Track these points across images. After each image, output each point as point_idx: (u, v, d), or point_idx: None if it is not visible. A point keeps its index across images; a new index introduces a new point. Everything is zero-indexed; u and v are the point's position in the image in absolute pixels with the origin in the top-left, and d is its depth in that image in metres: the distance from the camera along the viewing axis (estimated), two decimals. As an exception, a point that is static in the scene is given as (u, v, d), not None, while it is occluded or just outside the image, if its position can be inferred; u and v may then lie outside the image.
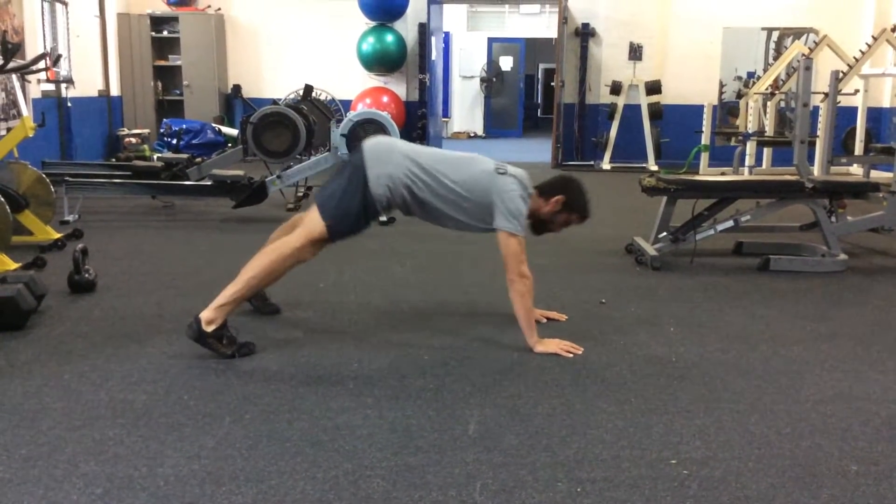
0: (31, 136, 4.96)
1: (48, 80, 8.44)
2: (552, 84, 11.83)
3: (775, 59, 10.45)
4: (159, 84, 11.08)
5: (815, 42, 9.84)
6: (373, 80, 11.24)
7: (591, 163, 10.69)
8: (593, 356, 3.09)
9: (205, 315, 2.96)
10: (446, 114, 15.66)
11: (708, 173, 9.07)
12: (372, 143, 3.20)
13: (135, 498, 1.97)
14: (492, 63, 16.94)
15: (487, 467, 2.16)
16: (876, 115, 10.45)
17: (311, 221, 3.06)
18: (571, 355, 3.07)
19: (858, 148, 8.96)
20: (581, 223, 3.35)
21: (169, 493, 2.00)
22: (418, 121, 11.02)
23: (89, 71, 9.86)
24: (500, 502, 1.98)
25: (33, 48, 7.93)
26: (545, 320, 3.52)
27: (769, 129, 9.32)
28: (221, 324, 2.98)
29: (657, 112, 10.49)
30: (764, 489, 2.06)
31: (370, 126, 6.04)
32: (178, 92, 11.10)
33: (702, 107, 9.61)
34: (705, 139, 9.44)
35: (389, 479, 2.08)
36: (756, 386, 2.81)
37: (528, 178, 3.23)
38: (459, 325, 3.49)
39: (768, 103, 9.42)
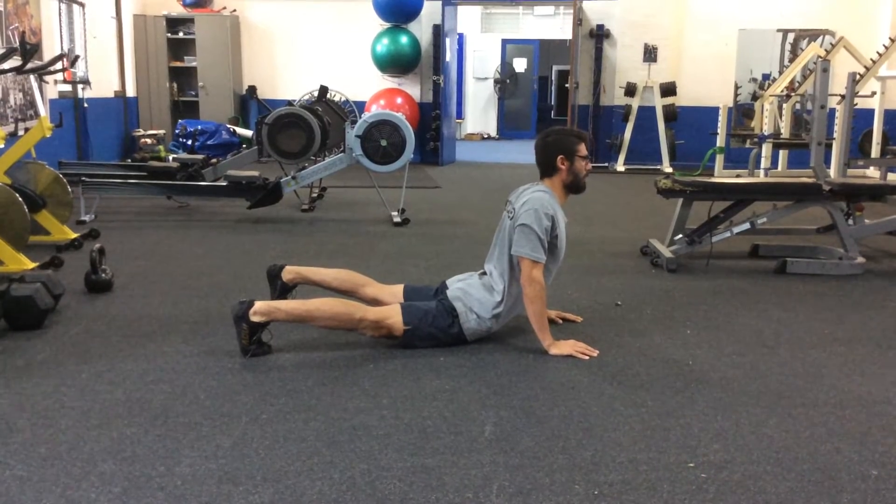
0: (48, 136, 5.00)
1: (65, 81, 8.50)
2: (566, 86, 11.80)
3: (791, 61, 10.38)
4: (174, 85, 11.13)
5: (831, 44, 9.78)
6: (387, 82, 11.26)
7: (606, 164, 10.66)
8: (609, 358, 3.08)
9: (259, 306, 3.00)
10: (460, 115, 15.66)
11: (723, 175, 9.02)
12: (454, 288, 3.30)
13: (153, 497, 1.98)
14: (506, 64, 16.92)
15: (504, 469, 2.15)
16: (893, 118, 10.36)
17: (393, 312, 3.13)
18: (587, 357, 3.06)
19: (875, 150, 8.89)
20: (588, 145, 3.32)
21: (186, 492, 2.00)
22: (432, 122, 11.02)
23: (105, 72, 9.92)
24: (517, 504, 1.98)
25: (50, 49, 7.98)
26: (561, 321, 3.52)
27: (785, 132, 9.27)
28: (265, 322, 3.01)
29: (672, 114, 10.45)
30: (783, 493, 2.05)
31: (385, 127, 6.05)
32: (193, 93, 11.15)
33: (717, 109, 9.55)
34: (720, 141, 9.39)
35: (406, 480, 2.08)
36: (774, 389, 2.79)
37: (540, 185, 3.30)
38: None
39: (784, 105, 9.36)
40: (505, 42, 16.95)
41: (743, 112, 10.95)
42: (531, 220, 3.12)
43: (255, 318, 2.98)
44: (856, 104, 6.26)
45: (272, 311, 3.01)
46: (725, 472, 2.16)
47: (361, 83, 11.15)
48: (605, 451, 2.27)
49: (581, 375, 2.89)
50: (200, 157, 7.08)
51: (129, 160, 9.26)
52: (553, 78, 19.98)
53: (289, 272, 3.48)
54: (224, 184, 6.26)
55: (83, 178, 6.03)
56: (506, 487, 2.05)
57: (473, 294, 3.21)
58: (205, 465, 2.14)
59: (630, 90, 10.53)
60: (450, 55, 11.15)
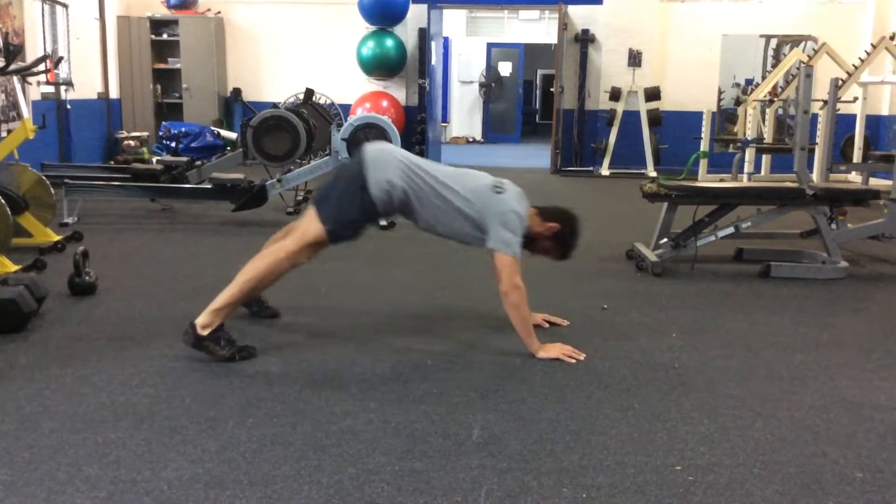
0: (31, 137, 4.96)
1: (48, 83, 8.43)
2: (551, 90, 11.86)
3: (774, 66, 10.47)
4: (158, 87, 11.06)
5: (813, 49, 9.87)
6: (372, 85, 11.25)
7: (591, 168, 10.70)
8: (596, 362, 3.08)
9: (200, 320, 2.96)
10: (445, 119, 15.67)
11: (707, 180, 9.08)
12: (373, 148, 3.21)
13: (138, 502, 1.96)
14: (491, 68, 16.96)
15: (492, 473, 2.15)
16: (874, 123, 10.48)
17: (309, 225, 3.06)
18: (573, 361, 3.07)
19: (857, 155, 8.98)
20: (555, 260, 3.34)
21: (172, 496, 1.99)
22: (417, 125, 11.02)
23: (89, 73, 9.85)
24: (506, 508, 1.98)
25: (33, 50, 7.93)
26: (548, 325, 3.52)
27: (768, 136, 9.34)
28: (218, 326, 2.97)
29: (656, 118, 10.51)
30: (769, 496, 2.06)
31: (371, 130, 6.05)
32: (177, 95, 11.09)
33: (700, 113, 9.62)
34: (704, 146, 9.46)
35: (394, 483, 2.08)
36: (759, 393, 2.80)
37: (524, 195, 3.24)
38: (462, 330, 3.49)
39: (767, 110, 9.44)
40: (490, 46, 16.99)
41: (726, 117, 11.04)
42: (509, 216, 3.08)
43: (206, 332, 2.95)
44: (838, 109, 6.31)
45: (216, 313, 2.97)
46: (712, 474, 2.17)
47: (347, 86, 11.15)
48: (593, 455, 2.28)
49: (568, 379, 2.90)
50: (185, 159, 7.05)
51: (113, 162, 9.19)
52: (538, 82, 20.08)
53: None
54: (209, 186, 6.23)
55: (66, 180, 5.97)
56: (494, 491, 2.05)
57: (388, 164, 3.10)
58: (191, 470, 2.13)
59: (615, 95, 10.58)
60: (435, 59, 11.17)
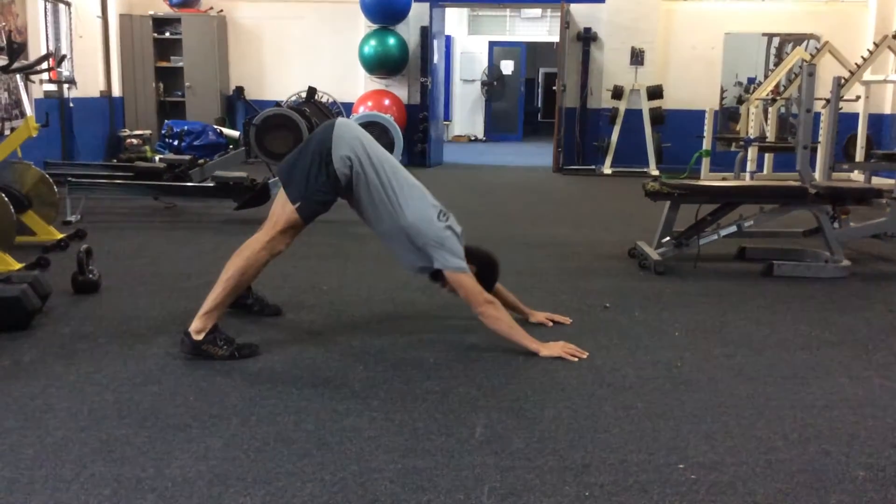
0: (34, 136, 4.96)
1: (50, 81, 8.44)
2: (553, 88, 11.84)
3: (776, 65, 10.48)
4: (161, 85, 11.08)
5: (816, 48, 9.87)
6: (374, 83, 11.24)
7: (593, 167, 10.70)
8: (598, 360, 3.09)
9: (193, 326, 2.98)
10: (447, 117, 15.67)
11: (709, 179, 9.08)
12: (340, 124, 3.14)
13: (143, 499, 1.97)
14: (493, 67, 16.95)
15: (495, 471, 2.15)
16: (877, 122, 10.47)
17: (278, 210, 3.05)
18: (576, 359, 3.07)
19: (859, 154, 8.97)
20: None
21: (177, 494, 2.00)
22: (419, 124, 11.02)
23: (91, 72, 9.86)
24: (509, 506, 1.98)
25: (36, 48, 7.93)
26: (551, 324, 3.53)
27: (770, 135, 9.34)
28: (212, 328, 2.98)
29: (659, 117, 10.50)
30: (772, 494, 2.06)
31: (373, 128, 6.05)
32: (179, 93, 11.10)
33: (703, 112, 9.61)
34: (706, 144, 9.45)
35: (397, 481, 2.08)
36: (762, 391, 2.80)
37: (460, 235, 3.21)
38: (464, 329, 3.49)
39: (769, 109, 9.44)
40: (492, 44, 16.99)
41: (728, 115, 11.04)
42: (450, 236, 3.09)
43: (200, 337, 2.96)
44: (840, 108, 6.31)
45: (207, 317, 2.98)
46: (715, 473, 2.17)
47: (349, 84, 11.16)
48: (596, 453, 2.28)
49: (571, 377, 2.90)
50: (187, 157, 7.05)
51: (115, 160, 9.20)
52: (540, 80, 20.04)
53: None
54: (211, 185, 6.23)
55: (69, 179, 5.98)
56: (497, 489, 2.06)
57: (353, 143, 3.08)
58: (195, 467, 2.13)
59: (617, 93, 10.57)
60: (437, 57, 11.16)
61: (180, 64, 10.99)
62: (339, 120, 3.21)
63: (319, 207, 3.09)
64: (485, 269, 3.29)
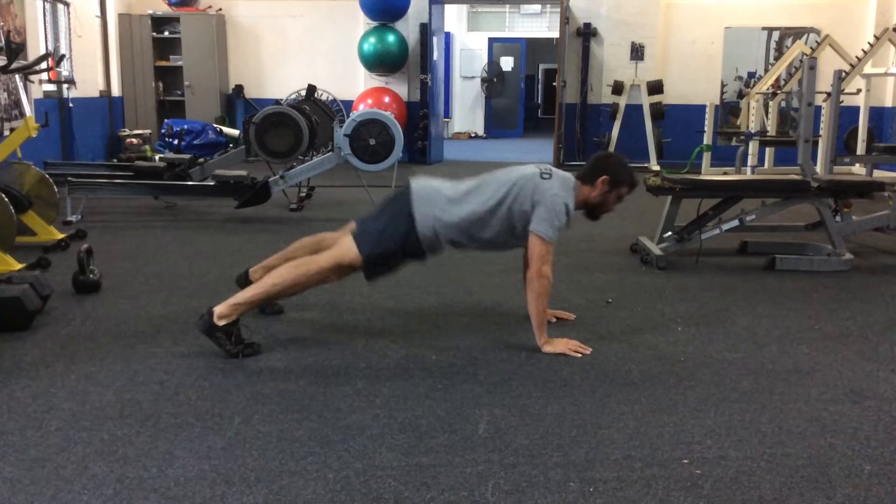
0: (34, 136, 4.95)
1: (50, 81, 8.43)
2: (553, 84, 11.81)
3: (776, 58, 10.44)
4: (160, 84, 11.06)
5: (816, 42, 9.84)
6: (374, 81, 11.22)
7: (593, 163, 10.66)
8: (601, 356, 3.08)
9: (218, 309, 2.96)
10: (447, 114, 15.64)
11: (710, 173, 9.05)
12: (419, 185, 3.19)
13: (145, 499, 1.96)
14: (493, 63, 16.92)
15: (499, 467, 2.15)
16: (878, 115, 10.44)
17: (347, 247, 3.07)
18: (579, 355, 3.06)
19: (860, 147, 8.95)
20: (632, 193, 3.33)
21: (179, 493, 1.99)
22: (420, 121, 11.00)
23: (90, 71, 9.84)
24: (513, 503, 1.97)
25: (35, 48, 7.92)
26: (554, 320, 3.52)
27: (771, 129, 9.31)
28: (233, 321, 2.98)
29: (659, 112, 10.48)
30: (777, 489, 2.05)
31: (373, 126, 6.04)
32: (179, 92, 11.08)
33: (703, 107, 9.58)
34: (707, 139, 9.42)
35: (401, 479, 2.07)
36: (766, 385, 2.80)
37: (571, 178, 3.23)
38: (467, 326, 3.49)
39: (770, 103, 9.41)
40: (492, 41, 16.95)
41: (729, 110, 11.01)
42: (557, 204, 3.09)
43: (221, 323, 2.95)
44: (841, 101, 6.28)
45: (235, 307, 2.97)
46: (719, 468, 2.17)
47: (349, 82, 11.15)
48: (600, 449, 2.27)
49: (574, 373, 2.89)
50: (187, 156, 7.04)
51: (115, 160, 9.19)
52: (540, 77, 20.04)
53: (254, 272, 3.45)
54: (212, 183, 6.23)
55: (69, 179, 5.97)
56: (501, 485, 2.05)
57: (435, 200, 3.13)
58: (198, 466, 2.13)
59: (617, 88, 10.55)
60: (437, 54, 11.14)
61: (179, 63, 10.97)
62: (415, 182, 3.20)
63: (381, 267, 3.15)
64: (614, 169, 3.28)
